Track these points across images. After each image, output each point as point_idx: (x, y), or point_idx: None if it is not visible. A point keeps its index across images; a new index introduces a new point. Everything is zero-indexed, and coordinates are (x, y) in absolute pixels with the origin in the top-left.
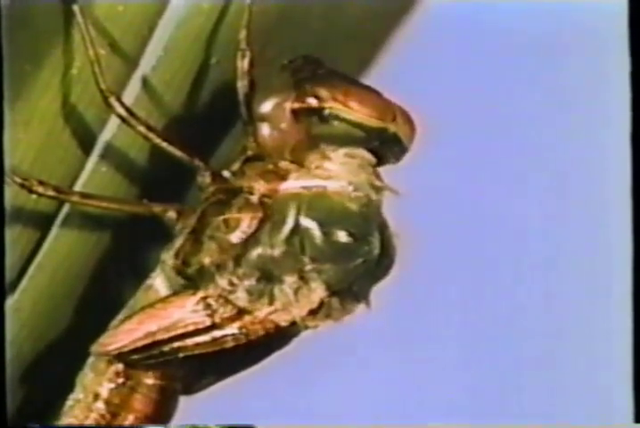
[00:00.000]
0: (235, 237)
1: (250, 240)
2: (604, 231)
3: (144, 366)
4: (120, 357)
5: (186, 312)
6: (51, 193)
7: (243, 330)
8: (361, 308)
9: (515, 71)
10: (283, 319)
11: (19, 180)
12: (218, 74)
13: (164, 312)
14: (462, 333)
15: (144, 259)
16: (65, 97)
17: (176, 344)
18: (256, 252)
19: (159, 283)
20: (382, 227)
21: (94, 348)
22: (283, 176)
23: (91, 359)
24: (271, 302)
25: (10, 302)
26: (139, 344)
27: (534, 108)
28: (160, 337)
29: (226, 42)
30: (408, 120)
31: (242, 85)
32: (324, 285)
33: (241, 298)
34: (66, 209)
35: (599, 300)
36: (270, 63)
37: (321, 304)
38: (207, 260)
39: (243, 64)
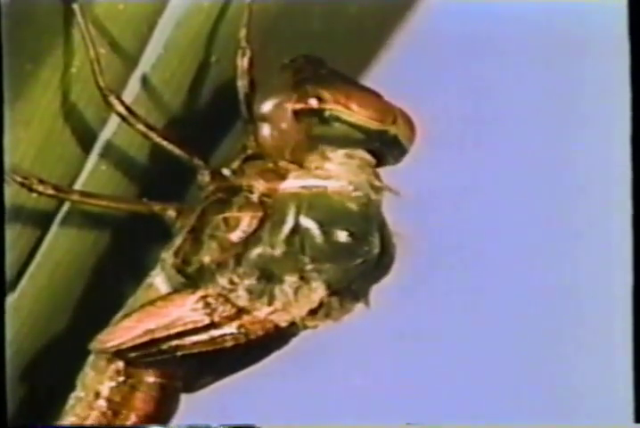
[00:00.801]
0: (235, 236)
1: (250, 239)
2: (604, 231)
3: (144, 363)
4: (119, 354)
5: (186, 310)
6: (51, 191)
7: (242, 329)
8: (361, 307)
9: (515, 71)
10: (282, 319)
11: (19, 179)
12: (218, 73)
13: (163, 310)
14: (461, 333)
15: (144, 257)
16: (65, 96)
17: (174, 342)
18: (256, 252)
19: (159, 281)
20: (382, 227)
21: (93, 344)
22: (282, 176)
23: (91, 358)
24: (271, 302)
25: (10, 301)
26: (138, 342)
27: (534, 108)
28: (158, 335)
29: (226, 40)
30: (409, 123)
31: (242, 83)
32: (325, 285)
33: (241, 297)
34: (66, 207)
35: (599, 300)
36: (270, 62)
37: (321, 304)
38: (207, 259)
39: (243, 63)
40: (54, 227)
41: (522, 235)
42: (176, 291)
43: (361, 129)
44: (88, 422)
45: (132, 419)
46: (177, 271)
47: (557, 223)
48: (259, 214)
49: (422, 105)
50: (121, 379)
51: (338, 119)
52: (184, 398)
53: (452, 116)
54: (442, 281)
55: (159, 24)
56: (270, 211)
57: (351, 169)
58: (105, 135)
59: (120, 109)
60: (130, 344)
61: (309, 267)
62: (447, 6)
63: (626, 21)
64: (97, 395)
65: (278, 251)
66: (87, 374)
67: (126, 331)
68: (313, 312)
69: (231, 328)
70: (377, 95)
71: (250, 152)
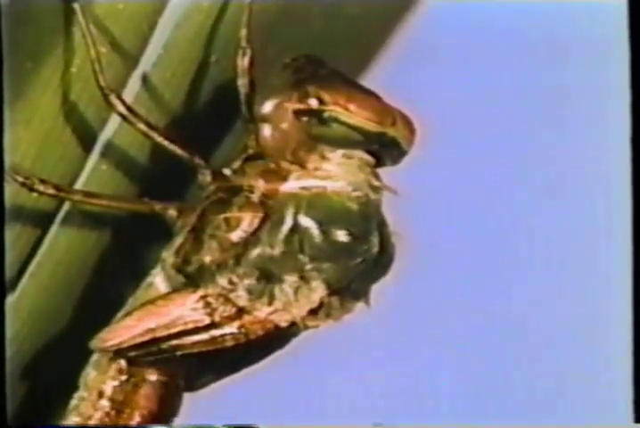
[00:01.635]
0: (236, 236)
1: (251, 239)
2: (604, 230)
3: (145, 362)
4: (120, 353)
5: (186, 310)
6: (51, 191)
7: (242, 329)
8: (361, 307)
9: (515, 72)
10: (282, 319)
11: (19, 178)
12: (218, 72)
13: (164, 309)
14: (461, 333)
15: (144, 257)
16: (65, 95)
17: (174, 342)
18: (256, 251)
19: (159, 281)
20: (381, 227)
21: (94, 343)
22: (284, 177)
23: (94, 358)
24: (271, 302)
25: (10, 301)
26: (138, 341)
27: (534, 108)
28: (159, 334)
29: (226, 40)
30: (408, 125)
31: (242, 83)
32: (324, 284)
33: (241, 297)
34: (66, 207)
35: (599, 300)
36: (270, 62)
37: (321, 303)
38: (207, 259)
39: (243, 62)
40: (54, 227)
41: (522, 235)
42: (176, 290)
43: (360, 131)
44: (92, 422)
45: (136, 418)
46: (178, 271)
47: (557, 223)
48: (260, 214)
49: (420, 105)
50: (124, 378)
51: (337, 120)
52: (188, 398)
53: (451, 117)
54: (442, 280)
55: (159, 23)
56: (270, 211)
57: (350, 169)
58: (106, 134)
59: (121, 108)
60: (131, 343)
61: (309, 266)
62: (447, 6)
63: (626, 21)
64: (100, 394)
65: (278, 251)
66: (90, 374)
67: (126, 330)
68: (313, 312)
69: (231, 328)
70: (376, 97)
71: (250, 151)
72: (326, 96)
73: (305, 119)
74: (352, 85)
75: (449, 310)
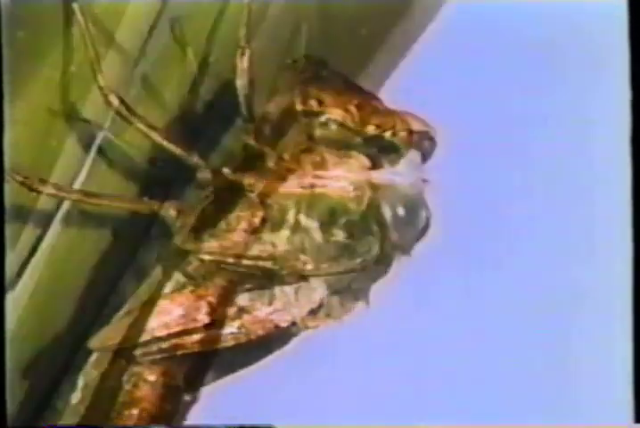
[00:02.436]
0: (236, 236)
1: (251, 239)
2: (604, 230)
3: (146, 362)
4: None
5: (186, 309)
6: (51, 190)
7: (243, 329)
8: (361, 306)
9: (515, 72)
10: (283, 319)
11: (19, 178)
12: (218, 72)
13: (164, 309)
14: (461, 333)
15: (144, 256)
16: (65, 95)
17: (174, 341)
18: (256, 251)
19: (159, 280)
20: (381, 226)
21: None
22: (283, 176)
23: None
24: (271, 302)
25: (10, 300)
26: (138, 340)
27: (534, 108)
28: (158, 334)
29: (226, 40)
30: (407, 128)
31: (241, 83)
32: (325, 284)
33: (241, 297)
34: (66, 206)
35: (599, 300)
36: (270, 62)
37: (321, 303)
38: (207, 258)
39: (243, 62)
40: (54, 227)
41: (523, 235)
42: (176, 290)
43: (359, 134)
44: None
45: (135, 418)
46: (178, 270)
47: (557, 223)
48: (260, 213)
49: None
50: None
51: (336, 122)
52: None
53: (452, 118)
54: (442, 280)
55: (159, 24)
56: (270, 211)
57: (350, 170)
58: (105, 134)
59: (120, 108)
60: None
61: (309, 266)
62: (447, 6)
63: (626, 21)
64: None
65: (278, 251)
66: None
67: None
68: (313, 312)
69: (231, 328)
70: (377, 99)
71: (250, 151)
72: (325, 97)
73: (305, 120)
74: (353, 87)
75: (449, 309)
